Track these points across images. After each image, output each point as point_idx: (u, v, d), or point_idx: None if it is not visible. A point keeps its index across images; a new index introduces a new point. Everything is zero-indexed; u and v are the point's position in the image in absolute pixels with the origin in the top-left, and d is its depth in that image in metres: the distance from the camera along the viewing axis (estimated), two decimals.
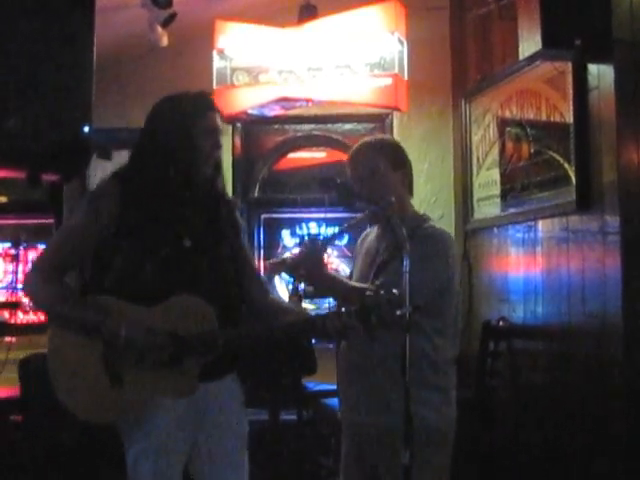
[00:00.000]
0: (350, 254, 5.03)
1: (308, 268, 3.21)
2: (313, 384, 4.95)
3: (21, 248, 9.28)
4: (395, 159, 3.44)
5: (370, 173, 3.36)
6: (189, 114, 2.96)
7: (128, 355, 2.75)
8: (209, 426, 2.96)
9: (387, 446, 3.18)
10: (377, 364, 3.22)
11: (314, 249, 3.26)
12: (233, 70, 5.74)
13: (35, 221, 8.85)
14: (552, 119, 4.65)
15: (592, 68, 4.25)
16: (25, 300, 9.07)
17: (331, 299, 3.52)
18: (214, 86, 5.68)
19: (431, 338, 3.25)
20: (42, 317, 8.89)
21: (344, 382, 3.46)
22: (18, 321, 8.81)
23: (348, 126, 6.45)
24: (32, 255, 9.17)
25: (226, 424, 3.01)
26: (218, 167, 3.03)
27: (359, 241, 3.67)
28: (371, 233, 3.60)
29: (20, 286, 2.94)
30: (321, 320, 2.85)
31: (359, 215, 3.43)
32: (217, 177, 3.03)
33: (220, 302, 2.90)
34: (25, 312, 9.04)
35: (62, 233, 3.08)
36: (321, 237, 2.79)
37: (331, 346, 3.77)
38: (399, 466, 2.68)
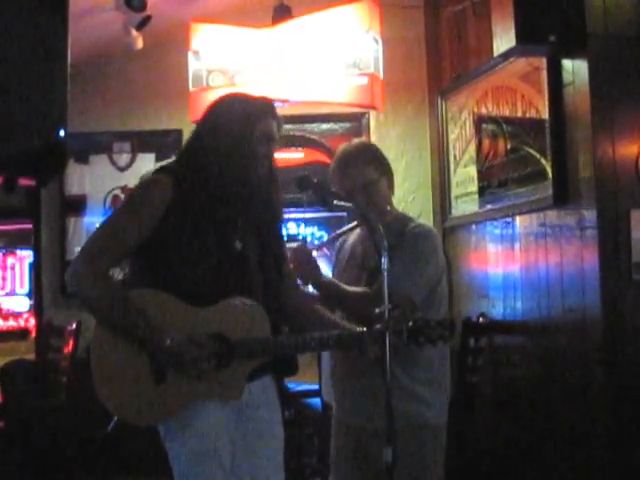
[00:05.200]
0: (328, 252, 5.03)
1: (301, 275, 3.24)
2: (294, 384, 4.95)
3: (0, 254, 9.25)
4: (382, 164, 3.42)
5: (363, 185, 3.32)
6: (252, 116, 2.92)
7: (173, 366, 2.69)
8: (249, 423, 2.88)
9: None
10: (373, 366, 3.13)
11: (303, 257, 3.28)
12: (209, 72, 5.72)
13: (13, 227, 8.83)
14: (528, 115, 4.67)
15: (566, 63, 4.28)
16: (5, 307, 9.06)
17: None
18: (190, 88, 5.67)
19: None
20: (22, 323, 8.86)
21: (338, 386, 3.45)
22: None
23: (325, 126, 6.45)
24: (11, 261, 9.14)
25: (265, 423, 2.94)
26: (272, 174, 2.95)
27: (338, 245, 3.65)
28: (351, 235, 3.58)
29: (67, 277, 2.78)
30: (369, 336, 2.82)
31: (350, 225, 3.48)
32: (271, 184, 2.95)
33: (266, 307, 2.85)
34: (5, 318, 9.00)
35: (114, 225, 2.87)
36: (310, 243, 2.79)
37: None
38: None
